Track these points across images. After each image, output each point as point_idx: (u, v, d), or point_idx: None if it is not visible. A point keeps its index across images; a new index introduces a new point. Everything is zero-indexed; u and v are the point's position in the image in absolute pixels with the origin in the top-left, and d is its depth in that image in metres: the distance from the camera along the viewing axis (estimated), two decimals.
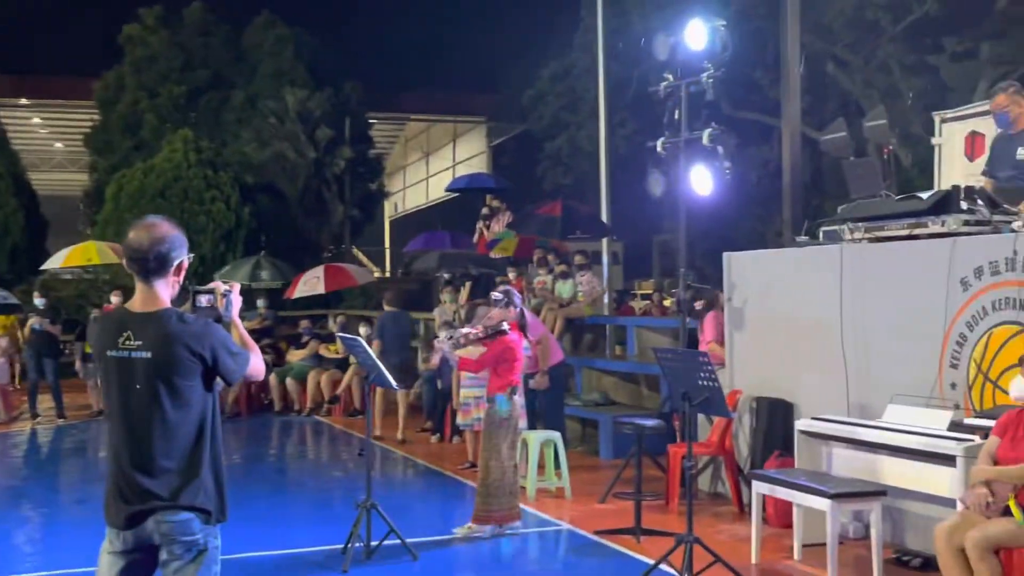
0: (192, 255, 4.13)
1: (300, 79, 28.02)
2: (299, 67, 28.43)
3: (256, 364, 4.16)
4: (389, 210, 42.52)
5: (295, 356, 16.55)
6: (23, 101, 34.49)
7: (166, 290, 3.98)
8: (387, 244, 42.33)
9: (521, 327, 8.33)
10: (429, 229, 23.55)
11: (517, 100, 29.67)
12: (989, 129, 10.48)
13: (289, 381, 16.19)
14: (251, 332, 4.65)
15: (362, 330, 14.01)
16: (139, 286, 3.98)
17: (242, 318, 4.27)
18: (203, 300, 4.17)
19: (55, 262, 18.53)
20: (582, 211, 16.71)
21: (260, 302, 17.65)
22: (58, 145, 40.43)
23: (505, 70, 32.55)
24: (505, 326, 8.21)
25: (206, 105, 28.20)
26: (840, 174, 24.61)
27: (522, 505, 9.12)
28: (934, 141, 11.28)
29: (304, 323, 17.03)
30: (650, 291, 26.13)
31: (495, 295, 8.54)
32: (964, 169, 10.75)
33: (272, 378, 16.01)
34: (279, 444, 13.88)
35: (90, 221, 28.22)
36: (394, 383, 7.97)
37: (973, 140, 10.77)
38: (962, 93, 22.03)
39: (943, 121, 11.24)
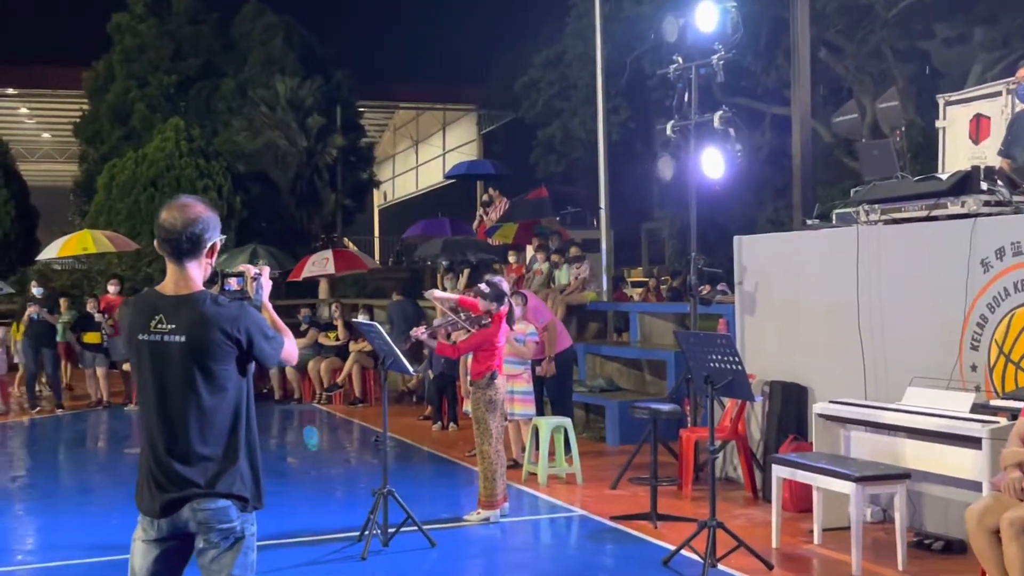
0: (224, 236, 4.03)
1: (290, 67, 27.87)
2: (289, 55, 28.29)
3: (290, 348, 4.05)
4: (378, 199, 42.29)
5: None
6: (10, 91, 34.22)
7: (199, 272, 3.88)
8: (376, 233, 42.11)
9: (507, 318, 8.20)
10: (420, 217, 23.51)
11: (507, 88, 29.52)
12: (994, 112, 10.44)
13: (288, 370, 16.06)
14: None
15: (361, 317, 13.91)
16: (171, 268, 3.86)
17: None
18: (232, 283, 4.07)
19: (51, 251, 18.36)
20: (567, 192, 17.10)
21: None
22: (45, 135, 40.16)
23: (495, 58, 32.42)
24: (487, 320, 8.13)
25: (196, 94, 28.02)
26: (830, 158, 24.43)
27: (534, 491, 9.09)
28: (938, 124, 11.21)
29: (304, 311, 16.94)
30: (640, 278, 26.13)
31: (482, 288, 8.38)
32: (969, 151, 10.70)
33: None
34: (280, 433, 13.77)
35: (80, 211, 28.03)
36: (410, 368, 7.91)
37: (978, 123, 10.72)
38: (954, 78, 22.00)
39: (947, 104, 11.20)
